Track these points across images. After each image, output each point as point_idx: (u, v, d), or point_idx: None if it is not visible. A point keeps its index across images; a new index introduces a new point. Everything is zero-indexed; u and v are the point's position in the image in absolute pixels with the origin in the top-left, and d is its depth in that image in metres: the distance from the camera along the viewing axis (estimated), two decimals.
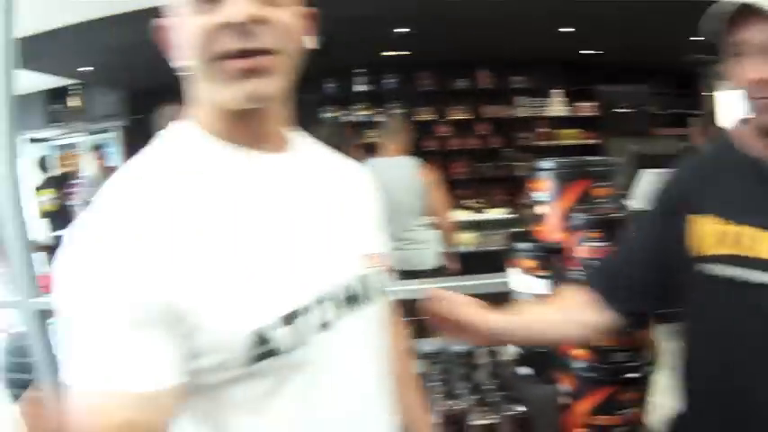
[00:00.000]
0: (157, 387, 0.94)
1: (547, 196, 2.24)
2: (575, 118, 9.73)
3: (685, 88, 10.48)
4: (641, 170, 6.53)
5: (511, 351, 2.48)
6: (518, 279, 2.43)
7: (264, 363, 1.01)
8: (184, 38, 1.05)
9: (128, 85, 9.47)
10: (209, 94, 1.07)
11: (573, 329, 1.71)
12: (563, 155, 2.56)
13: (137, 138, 9.90)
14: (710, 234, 1.43)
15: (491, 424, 2.02)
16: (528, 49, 8.72)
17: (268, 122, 1.15)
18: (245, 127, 1.11)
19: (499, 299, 2.53)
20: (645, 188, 6.20)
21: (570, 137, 9.64)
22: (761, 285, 1.35)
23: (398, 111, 8.74)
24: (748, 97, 1.38)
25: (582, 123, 9.72)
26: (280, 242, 1.08)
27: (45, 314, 3.25)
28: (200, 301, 0.96)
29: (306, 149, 1.27)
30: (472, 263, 4.42)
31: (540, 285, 2.30)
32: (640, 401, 2.07)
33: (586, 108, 9.71)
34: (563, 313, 1.72)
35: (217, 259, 0.99)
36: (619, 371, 1.99)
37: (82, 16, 6.35)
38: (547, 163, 2.26)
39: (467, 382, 2.24)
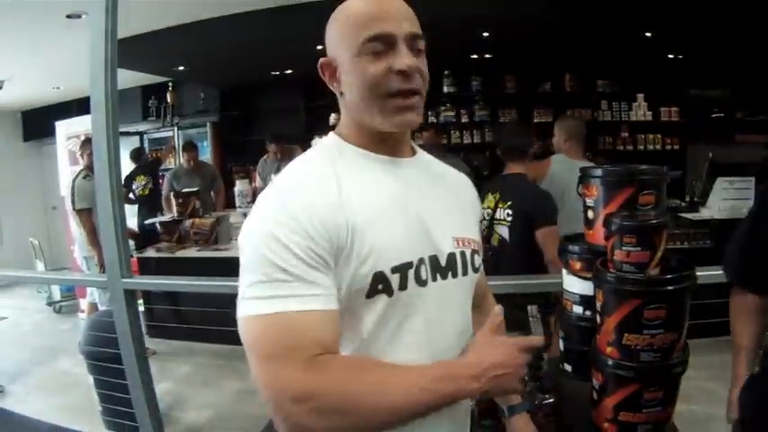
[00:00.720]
0: (333, 307, 1.35)
1: (595, 202, 2.39)
2: (657, 123, 9.60)
3: None
4: (718, 178, 6.47)
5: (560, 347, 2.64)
6: (568, 279, 2.58)
7: (378, 297, 1.42)
8: (360, 77, 1.44)
9: (218, 84, 9.78)
10: (370, 119, 1.48)
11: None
12: (643, 160, 2.67)
13: (226, 133, 10.24)
14: None
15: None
16: (612, 53, 8.74)
17: (402, 139, 1.58)
18: (386, 142, 1.53)
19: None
20: (719, 196, 6.17)
21: (652, 142, 9.55)
22: None
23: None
24: None
25: (664, 129, 9.59)
26: (402, 217, 1.48)
27: (132, 294, 3.60)
28: (350, 249, 1.37)
29: (424, 157, 1.70)
30: None
31: (585, 287, 2.46)
32: (666, 401, 2.18)
33: (669, 113, 9.56)
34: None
35: (363, 224, 1.39)
36: (645, 370, 2.12)
37: (177, 20, 6.66)
38: (596, 170, 2.41)
39: None
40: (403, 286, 1.44)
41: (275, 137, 7.60)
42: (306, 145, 7.65)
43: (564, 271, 2.61)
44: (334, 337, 1.34)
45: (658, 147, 9.52)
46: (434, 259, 1.52)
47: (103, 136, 3.37)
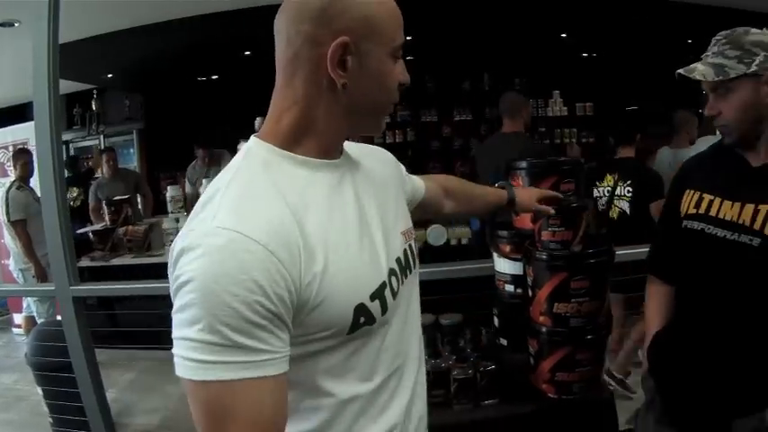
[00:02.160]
0: (281, 371, 1.13)
1: None
2: (573, 118, 9.97)
3: (681, 89, 10.79)
4: None
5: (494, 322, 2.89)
6: (499, 262, 2.83)
7: (361, 330, 1.25)
8: (387, 80, 1.29)
9: (144, 90, 9.76)
10: (367, 122, 1.35)
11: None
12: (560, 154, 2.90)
13: (152, 140, 10.19)
14: (692, 200, 2.05)
15: (468, 378, 2.41)
16: (529, 53, 9.07)
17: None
18: (336, 144, 1.36)
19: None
20: None
21: (568, 136, 9.90)
22: (716, 236, 1.93)
23: None
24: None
25: (580, 123, 9.99)
26: (364, 237, 1.31)
27: (81, 301, 3.61)
28: (315, 288, 1.16)
29: (346, 147, 1.44)
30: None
31: (515, 267, 2.72)
32: (596, 361, 2.48)
33: (585, 108, 9.96)
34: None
35: (329, 263, 1.19)
36: (576, 334, 2.40)
37: (102, 28, 6.70)
38: (521, 162, 2.65)
39: (451, 348, 2.61)
40: (384, 310, 1.30)
41: (203, 142, 7.49)
42: (233, 150, 7.75)
43: (495, 254, 2.86)
44: (279, 408, 1.16)
45: (574, 140, 9.87)
46: (398, 263, 1.41)
47: (48, 143, 3.38)
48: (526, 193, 2.30)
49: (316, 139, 1.29)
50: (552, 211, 2.28)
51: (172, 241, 4.16)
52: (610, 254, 2.46)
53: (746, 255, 1.85)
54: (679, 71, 1.91)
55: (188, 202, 6.64)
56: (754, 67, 1.83)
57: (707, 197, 2.00)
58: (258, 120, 8.39)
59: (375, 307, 1.27)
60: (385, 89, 1.28)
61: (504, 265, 2.80)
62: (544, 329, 2.43)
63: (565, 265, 2.37)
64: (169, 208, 6.51)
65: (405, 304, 1.44)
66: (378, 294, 1.28)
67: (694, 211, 2.03)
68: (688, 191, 2.08)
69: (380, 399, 1.36)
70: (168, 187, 6.72)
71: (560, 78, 9.77)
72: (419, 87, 9.23)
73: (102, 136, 10.45)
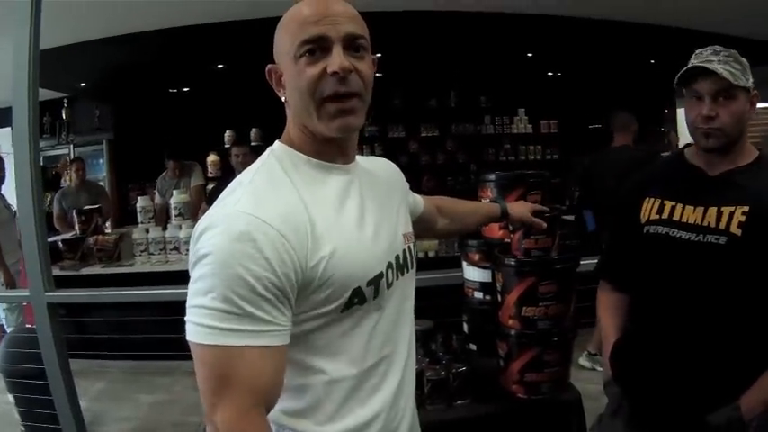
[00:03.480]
0: (283, 342, 1.29)
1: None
2: (537, 135, 10.18)
3: (644, 106, 11.07)
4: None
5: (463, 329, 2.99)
6: (468, 270, 2.94)
7: (352, 308, 1.39)
8: (298, 81, 1.39)
9: (115, 101, 9.68)
10: (312, 124, 1.42)
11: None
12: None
13: (122, 151, 10.10)
14: (654, 207, 2.17)
15: (441, 379, 2.51)
16: (495, 71, 9.24)
17: (349, 143, 1.53)
18: (335, 146, 1.48)
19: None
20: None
21: (533, 153, 10.10)
22: (680, 239, 2.06)
23: None
24: (690, 127, 2.10)
25: (544, 140, 10.20)
26: (368, 230, 1.47)
27: (56, 308, 3.64)
28: (320, 270, 1.31)
29: (359, 159, 1.62)
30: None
31: (484, 275, 2.84)
32: (563, 362, 2.60)
33: (549, 126, 10.18)
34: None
35: (336, 249, 1.34)
36: (544, 336, 2.51)
37: (75, 37, 6.74)
38: (490, 174, 2.80)
39: (424, 351, 2.71)
40: (376, 294, 1.44)
41: (173, 154, 7.44)
42: (203, 162, 7.77)
43: (464, 263, 2.99)
44: (277, 377, 1.29)
45: (539, 157, 10.08)
46: (396, 259, 1.55)
47: (26, 151, 3.42)
48: (519, 207, 2.46)
49: (310, 144, 1.47)
50: (545, 225, 2.46)
51: (142, 252, 4.27)
52: (575, 260, 2.60)
53: (713, 254, 1.99)
54: (698, 64, 1.99)
55: (157, 213, 6.64)
56: (750, 84, 2.00)
57: (668, 203, 2.13)
58: (228, 133, 8.42)
59: (369, 291, 1.42)
60: (299, 91, 1.40)
61: (473, 273, 2.92)
62: (513, 332, 2.53)
63: (533, 271, 2.49)
64: (139, 218, 6.50)
65: (399, 298, 1.57)
66: (374, 282, 1.43)
67: (657, 216, 2.15)
68: (648, 199, 2.20)
69: (369, 382, 1.48)
70: (138, 198, 6.71)
71: (525, 96, 9.97)
72: (387, 104, 9.30)
73: (71, 145, 10.32)
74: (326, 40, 1.36)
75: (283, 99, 1.48)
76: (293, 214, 1.32)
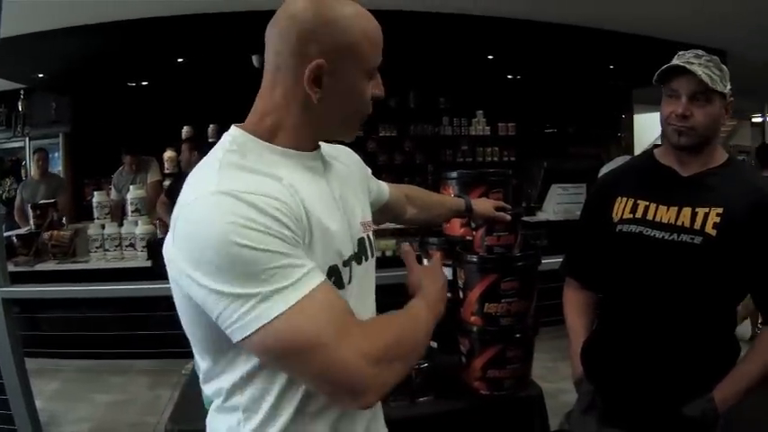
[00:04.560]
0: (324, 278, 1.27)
1: None
2: (495, 137, 10.30)
3: (602, 111, 11.27)
4: (553, 185, 7.01)
5: None
6: None
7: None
8: (359, 98, 1.43)
9: (72, 93, 9.50)
10: (337, 131, 1.50)
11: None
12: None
13: (79, 144, 9.92)
14: (627, 206, 2.21)
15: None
16: (455, 73, 9.31)
17: None
18: (311, 143, 1.48)
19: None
20: (554, 200, 6.74)
21: (490, 154, 10.23)
22: (654, 238, 2.11)
23: None
24: (663, 123, 2.12)
25: (501, 142, 10.31)
26: (337, 212, 1.47)
27: (11, 304, 3.58)
28: (311, 243, 1.31)
29: (323, 145, 1.59)
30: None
31: (445, 272, 2.83)
32: (525, 358, 2.62)
33: (507, 128, 10.30)
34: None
35: (316, 220, 1.33)
36: (506, 332, 2.53)
37: (32, 26, 6.59)
38: (452, 172, 2.84)
39: None
40: (349, 279, 1.44)
41: (130, 149, 7.33)
42: (160, 157, 7.71)
43: (425, 260, 2.98)
44: (342, 302, 1.29)
45: (496, 158, 10.20)
46: (357, 245, 1.54)
47: None
48: (483, 203, 2.51)
49: (290, 140, 1.42)
50: (509, 218, 2.49)
51: (97, 248, 4.16)
52: (537, 257, 2.62)
53: (688, 253, 2.04)
54: (680, 63, 2.02)
55: (113, 209, 6.56)
56: (727, 90, 2.05)
57: (642, 203, 2.17)
58: (186, 128, 8.35)
59: (346, 273, 1.43)
60: (354, 104, 1.42)
61: None
62: (475, 329, 2.55)
63: (496, 267, 2.51)
64: (95, 214, 6.38)
65: (358, 286, 1.54)
66: (348, 263, 1.45)
67: (630, 215, 2.19)
68: (620, 198, 2.24)
69: None
70: (94, 193, 6.59)
71: (484, 98, 10.06)
72: None
73: (27, 138, 10.16)
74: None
75: (315, 98, 1.37)
76: (268, 177, 1.30)
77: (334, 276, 1.38)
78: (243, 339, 1.19)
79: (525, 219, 6.67)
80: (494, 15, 7.16)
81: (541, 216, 7.04)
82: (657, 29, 7.38)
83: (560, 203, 6.82)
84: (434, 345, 2.93)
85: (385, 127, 9.86)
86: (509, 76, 10.24)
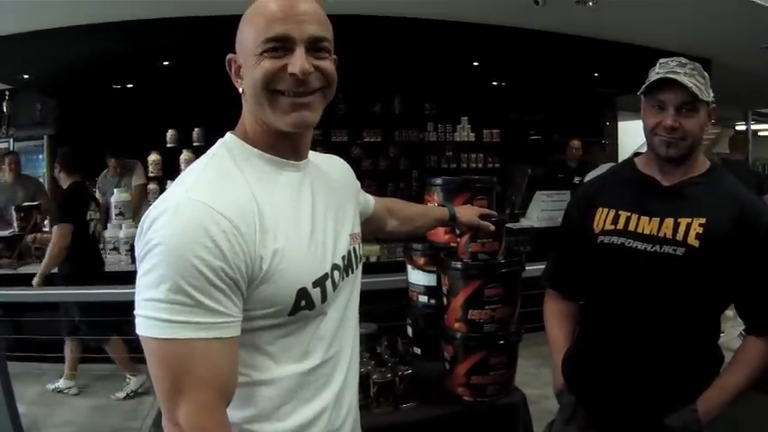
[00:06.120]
0: (235, 334, 1.28)
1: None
2: (479, 144, 10.27)
3: (586, 118, 11.34)
4: (537, 191, 7.05)
5: (408, 332, 3.02)
6: (413, 274, 2.96)
7: (301, 314, 1.38)
8: (256, 73, 1.36)
9: (58, 95, 9.43)
10: (265, 116, 1.40)
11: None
12: None
13: (64, 146, 9.76)
14: (608, 217, 2.19)
15: (387, 381, 2.52)
16: (440, 79, 9.29)
17: (303, 140, 1.51)
18: (288, 141, 1.46)
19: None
20: (538, 207, 6.77)
21: (474, 161, 10.20)
22: (636, 249, 2.09)
23: None
24: (649, 135, 2.11)
25: (486, 149, 10.29)
26: (316, 229, 1.47)
27: None
28: (266, 265, 1.30)
29: (312, 156, 1.60)
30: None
31: (429, 279, 2.87)
32: (509, 364, 2.64)
33: (491, 135, 10.28)
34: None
35: (283, 243, 1.34)
36: (490, 339, 2.55)
37: (19, 27, 6.61)
38: (437, 179, 2.84)
39: (370, 354, 2.70)
40: (324, 299, 1.43)
41: (115, 151, 7.33)
42: (145, 160, 7.67)
43: (409, 267, 3.01)
44: (233, 369, 1.30)
45: (480, 165, 10.17)
46: (342, 260, 1.55)
47: None
48: (467, 211, 2.50)
49: (265, 138, 1.45)
50: (493, 228, 2.49)
51: None
52: (521, 263, 2.63)
53: (670, 264, 2.03)
54: (667, 75, 2.00)
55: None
56: (711, 98, 2.05)
57: (623, 214, 2.16)
58: (170, 132, 8.32)
59: (316, 294, 1.41)
60: (257, 81, 1.37)
61: (418, 277, 2.94)
62: (459, 335, 2.56)
63: (480, 274, 2.53)
64: None
65: (344, 299, 1.58)
66: (319, 283, 1.42)
67: (612, 227, 2.17)
68: (601, 209, 2.22)
69: (314, 384, 1.48)
70: None
71: (469, 105, 10.05)
72: (331, 108, 9.22)
73: (11, 139, 10.03)
74: (290, 40, 1.36)
75: (240, 90, 1.46)
76: (243, 205, 1.31)
77: (304, 299, 1.39)
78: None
79: (509, 225, 6.69)
80: (479, 22, 7.19)
81: (525, 223, 7.07)
82: (642, 37, 7.43)
83: (544, 210, 6.85)
84: (418, 351, 2.95)
85: (370, 132, 9.80)
86: (494, 83, 10.22)
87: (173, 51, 7.71)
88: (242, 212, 1.29)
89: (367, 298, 3.26)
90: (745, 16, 6.38)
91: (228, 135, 1.49)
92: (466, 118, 10.10)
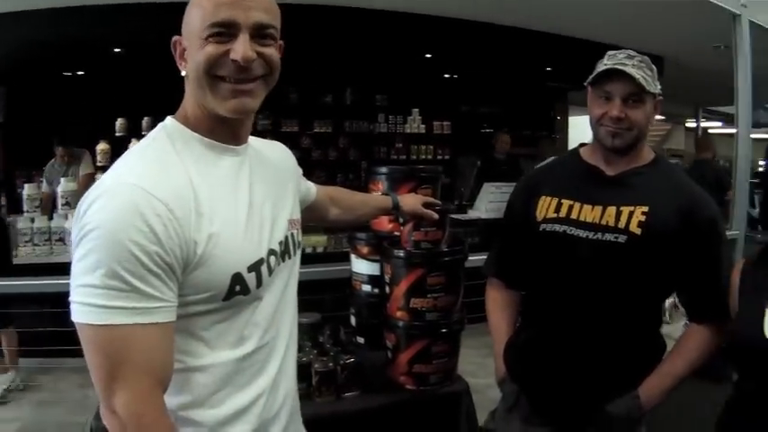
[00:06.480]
0: (171, 318, 1.28)
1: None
2: (430, 135, 10.29)
3: (537, 112, 11.43)
4: (485, 183, 7.08)
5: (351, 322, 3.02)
6: (356, 263, 2.96)
7: (236, 299, 1.39)
8: (199, 57, 1.35)
9: (6, 82, 9.20)
10: (206, 101, 1.39)
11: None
12: None
13: (11, 135, 9.58)
14: (551, 205, 2.18)
15: (329, 370, 2.51)
16: (392, 70, 9.26)
17: (243, 126, 1.51)
18: (228, 126, 1.45)
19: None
20: (486, 199, 6.80)
21: (424, 152, 10.22)
22: (578, 237, 2.09)
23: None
24: (595, 125, 2.12)
25: (436, 140, 10.31)
26: (253, 214, 1.47)
27: None
28: (201, 249, 1.30)
29: (251, 140, 1.60)
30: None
31: (372, 268, 2.88)
32: (451, 353, 2.65)
33: (442, 127, 10.34)
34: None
35: (219, 228, 1.34)
36: (432, 327, 2.55)
37: None
38: (382, 167, 2.85)
39: (312, 343, 2.70)
40: (259, 283, 1.44)
41: (63, 140, 7.11)
42: (93, 149, 7.53)
43: (353, 256, 3.01)
44: (169, 355, 1.30)
45: (430, 156, 10.18)
46: (279, 245, 1.55)
47: None
48: (410, 199, 2.48)
49: (205, 122, 1.44)
50: (437, 216, 2.48)
51: (27, 242, 4.10)
52: (464, 252, 2.64)
53: (612, 252, 2.04)
54: (615, 66, 2.02)
55: (44, 202, 6.37)
56: (658, 90, 2.06)
57: (566, 202, 2.16)
58: (120, 120, 8.19)
59: (251, 279, 1.41)
60: (200, 65, 1.36)
61: (362, 266, 2.95)
62: (401, 324, 2.57)
63: (422, 262, 2.53)
64: (25, 207, 6.15)
65: (281, 285, 1.58)
66: (254, 268, 1.42)
67: (554, 215, 2.17)
68: (543, 197, 2.21)
69: (249, 370, 1.48)
70: (25, 185, 6.37)
71: (420, 97, 10.05)
72: (282, 98, 9.21)
73: None
74: (235, 26, 1.35)
75: (183, 73, 1.45)
76: (179, 189, 1.31)
77: (239, 284, 1.39)
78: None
79: (457, 217, 6.72)
80: (432, 14, 7.17)
81: (473, 214, 7.08)
82: (594, 32, 7.46)
83: (492, 202, 6.85)
84: (362, 340, 2.94)
85: (320, 123, 9.74)
86: (446, 75, 10.24)
87: (126, 38, 7.57)
88: (178, 196, 1.29)
89: (312, 288, 3.28)
90: (698, 15, 6.44)
91: (169, 119, 1.48)
92: (417, 110, 10.09)
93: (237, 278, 1.38)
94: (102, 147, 7.71)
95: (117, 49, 7.98)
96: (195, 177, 1.36)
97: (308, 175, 1.98)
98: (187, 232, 1.29)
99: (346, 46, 7.85)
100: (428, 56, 8.95)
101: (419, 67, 9.35)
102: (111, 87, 8.22)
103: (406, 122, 10.04)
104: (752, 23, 6.10)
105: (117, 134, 7.96)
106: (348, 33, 7.26)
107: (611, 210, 2.06)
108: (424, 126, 10.17)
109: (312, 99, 9.53)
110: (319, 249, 5.93)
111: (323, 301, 3.19)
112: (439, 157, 10.20)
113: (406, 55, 8.74)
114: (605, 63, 2.06)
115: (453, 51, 8.73)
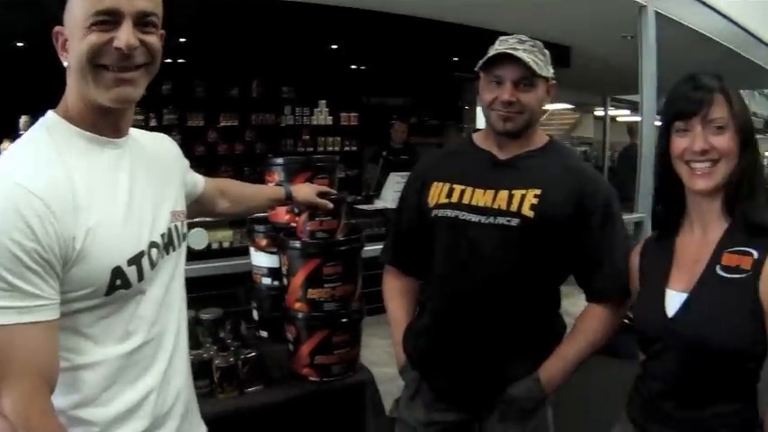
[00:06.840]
0: (55, 316, 1.27)
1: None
2: (337, 127, 10.30)
3: (444, 102, 11.53)
4: (391, 173, 7.09)
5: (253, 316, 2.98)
6: (256, 256, 2.93)
7: (117, 293, 1.37)
8: (81, 46, 1.33)
9: None
10: (88, 92, 1.37)
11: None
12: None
13: None
14: (442, 191, 2.18)
15: (230, 365, 2.47)
16: (298, 62, 9.20)
17: (124, 117, 1.49)
18: (109, 117, 1.43)
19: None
20: (393, 189, 6.81)
21: (331, 144, 10.22)
22: (470, 221, 2.09)
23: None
24: (486, 110, 2.13)
25: (343, 132, 10.33)
26: (133, 207, 1.44)
27: None
28: (79, 244, 1.29)
29: (134, 133, 1.59)
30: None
31: (271, 260, 2.86)
32: (352, 343, 2.64)
33: (349, 119, 10.37)
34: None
35: (97, 222, 1.32)
36: (331, 317, 2.54)
37: None
38: (278, 158, 2.82)
39: (213, 339, 2.65)
40: (141, 278, 1.42)
41: None
42: None
43: (252, 249, 2.98)
44: (54, 353, 1.28)
45: (338, 148, 10.18)
46: (162, 238, 1.54)
47: None
48: (305, 189, 2.47)
49: (85, 114, 1.42)
50: (331, 206, 2.48)
51: None
52: (360, 241, 2.63)
53: (505, 236, 2.04)
54: (505, 50, 2.01)
55: None
56: (550, 74, 2.08)
57: (458, 187, 2.15)
58: (23, 118, 7.91)
59: (132, 272, 1.40)
60: (82, 54, 1.34)
61: (261, 259, 2.92)
62: (300, 315, 2.54)
63: (318, 252, 2.51)
64: None
65: (165, 278, 1.56)
66: (135, 261, 1.41)
67: (446, 200, 2.16)
68: (435, 183, 2.21)
69: (137, 366, 1.46)
70: None
71: (327, 88, 10.04)
72: (187, 91, 9.04)
73: None
74: (118, 13, 1.33)
75: (66, 64, 1.42)
76: (58, 185, 1.29)
77: (120, 278, 1.37)
78: None
79: (365, 207, 6.73)
80: (338, 5, 7.12)
81: (379, 204, 7.08)
82: (502, 22, 7.47)
83: (398, 192, 6.82)
84: (265, 334, 2.91)
85: (226, 116, 9.58)
86: (353, 66, 10.21)
87: (29, 32, 7.29)
88: (56, 192, 1.27)
89: (219, 283, 3.23)
90: (606, 5, 6.54)
91: (49, 113, 1.45)
92: (324, 101, 10.07)
93: (118, 272, 1.36)
94: (5, 146, 7.46)
95: (20, 44, 7.73)
96: (74, 172, 1.34)
97: (215, 169, 1.96)
98: (65, 228, 1.27)
99: (252, 38, 7.74)
100: (334, 47, 8.90)
101: (325, 58, 9.30)
102: (13, 83, 7.90)
103: (312, 114, 10.02)
104: (658, 14, 6.26)
105: (21, 132, 7.63)
106: (254, 25, 7.16)
107: (504, 193, 2.07)
108: (331, 118, 10.16)
109: (218, 92, 9.40)
110: (225, 244, 5.85)
111: (229, 296, 3.16)
112: (346, 149, 10.23)
113: (313, 46, 8.67)
114: (496, 48, 2.06)
115: (360, 42, 8.70)
